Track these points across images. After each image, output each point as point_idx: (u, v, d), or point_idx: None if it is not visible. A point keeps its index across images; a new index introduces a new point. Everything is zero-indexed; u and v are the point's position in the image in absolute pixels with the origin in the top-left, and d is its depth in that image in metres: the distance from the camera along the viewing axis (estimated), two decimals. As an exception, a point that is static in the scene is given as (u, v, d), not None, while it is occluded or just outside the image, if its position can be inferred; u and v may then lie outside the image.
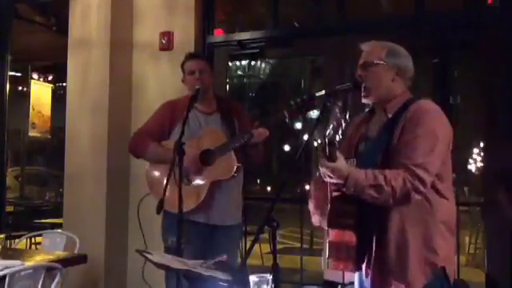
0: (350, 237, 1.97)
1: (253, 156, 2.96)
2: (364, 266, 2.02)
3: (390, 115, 2.04)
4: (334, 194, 2.01)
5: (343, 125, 1.88)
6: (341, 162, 1.87)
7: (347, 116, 1.90)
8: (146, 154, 3.00)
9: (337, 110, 1.89)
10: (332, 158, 1.85)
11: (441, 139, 1.93)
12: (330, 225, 2.02)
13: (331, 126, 1.87)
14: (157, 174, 2.96)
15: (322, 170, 1.89)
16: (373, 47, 2.11)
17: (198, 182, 2.86)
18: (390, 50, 2.08)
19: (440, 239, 1.94)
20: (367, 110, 2.22)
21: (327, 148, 1.85)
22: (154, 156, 2.96)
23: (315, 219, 2.11)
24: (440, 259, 1.93)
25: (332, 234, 2.02)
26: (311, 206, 2.13)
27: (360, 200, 1.93)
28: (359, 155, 2.08)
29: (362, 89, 2.06)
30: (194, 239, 2.74)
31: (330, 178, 1.89)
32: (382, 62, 2.05)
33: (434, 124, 1.94)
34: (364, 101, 2.10)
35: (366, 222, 1.97)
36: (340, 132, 1.88)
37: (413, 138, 1.91)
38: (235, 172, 2.87)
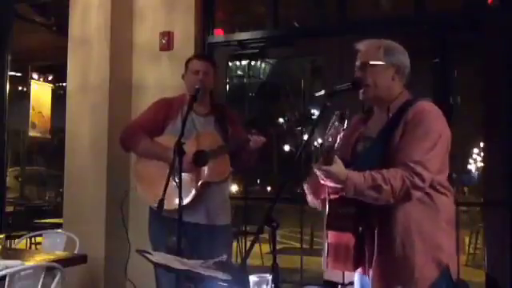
0: (348, 238, 1.96)
1: (245, 161, 2.94)
2: (366, 265, 2.00)
3: (390, 115, 2.04)
4: (332, 196, 1.99)
5: (341, 133, 1.84)
6: (338, 167, 1.84)
7: (345, 124, 1.86)
8: (138, 147, 2.96)
9: (335, 120, 1.82)
10: (328, 162, 1.83)
11: (440, 139, 1.94)
12: (329, 227, 2.02)
13: (329, 133, 1.82)
14: (146, 170, 2.92)
15: (318, 172, 1.87)
16: (369, 46, 2.08)
17: (189, 181, 2.82)
18: (387, 49, 2.06)
19: (444, 236, 1.96)
20: (365, 109, 2.20)
21: (325, 154, 1.83)
22: (146, 151, 2.93)
23: (309, 199, 2.12)
24: (445, 256, 1.94)
25: (331, 236, 2.02)
26: (307, 188, 2.12)
27: (359, 202, 1.92)
28: (357, 155, 2.08)
29: (362, 89, 2.05)
30: (182, 239, 2.73)
31: (326, 180, 1.87)
32: (379, 62, 2.03)
33: (434, 124, 1.95)
34: (363, 100, 2.09)
35: (367, 223, 1.96)
36: (338, 139, 1.84)
37: (413, 137, 1.91)
38: (227, 176, 2.87)
